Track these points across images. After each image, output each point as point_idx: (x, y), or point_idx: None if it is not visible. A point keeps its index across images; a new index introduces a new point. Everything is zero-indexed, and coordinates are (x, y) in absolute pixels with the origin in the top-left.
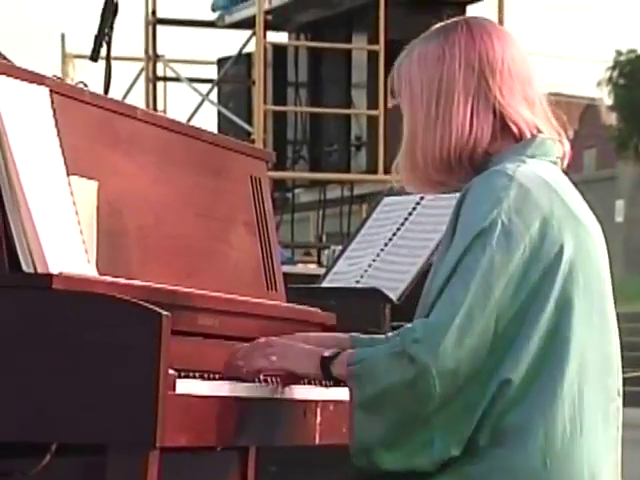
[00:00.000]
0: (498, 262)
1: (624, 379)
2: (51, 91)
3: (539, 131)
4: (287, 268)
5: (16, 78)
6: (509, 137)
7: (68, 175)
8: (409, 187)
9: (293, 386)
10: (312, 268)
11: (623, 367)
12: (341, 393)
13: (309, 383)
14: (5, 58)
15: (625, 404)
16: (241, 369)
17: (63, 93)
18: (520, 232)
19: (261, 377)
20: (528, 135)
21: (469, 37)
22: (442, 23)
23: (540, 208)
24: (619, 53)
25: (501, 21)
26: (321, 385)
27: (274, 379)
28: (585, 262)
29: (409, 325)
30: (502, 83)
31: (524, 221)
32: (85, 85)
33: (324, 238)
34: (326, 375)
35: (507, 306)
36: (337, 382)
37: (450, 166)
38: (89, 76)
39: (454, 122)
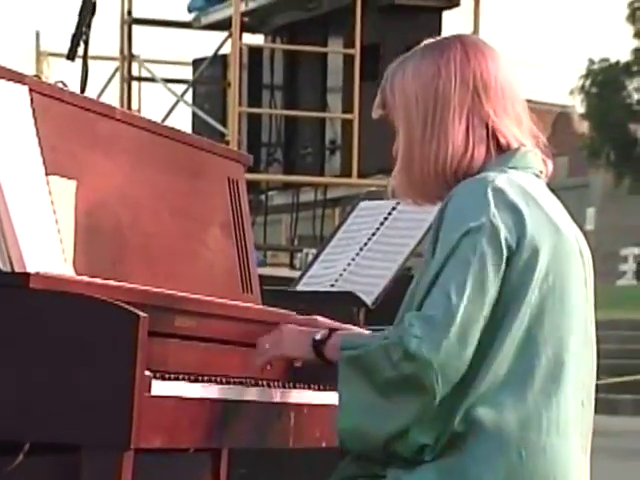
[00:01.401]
0: (489, 261)
1: (596, 386)
2: (31, 90)
3: (523, 146)
4: (260, 270)
5: None
6: (500, 152)
7: (47, 174)
8: (405, 199)
9: (267, 389)
10: (285, 271)
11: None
12: (315, 397)
13: (284, 386)
14: None
15: (596, 411)
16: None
17: (43, 92)
18: (504, 234)
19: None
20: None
21: (464, 55)
22: (434, 39)
23: (518, 212)
24: (592, 62)
25: (476, 27)
26: (294, 388)
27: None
28: (561, 270)
29: (406, 320)
30: (496, 102)
31: (506, 224)
32: (64, 84)
33: (296, 241)
34: (320, 358)
35: (493, 306)
36: (330, 364)
37: (445, 180)
38: (63, 75)
39: (450, 138)
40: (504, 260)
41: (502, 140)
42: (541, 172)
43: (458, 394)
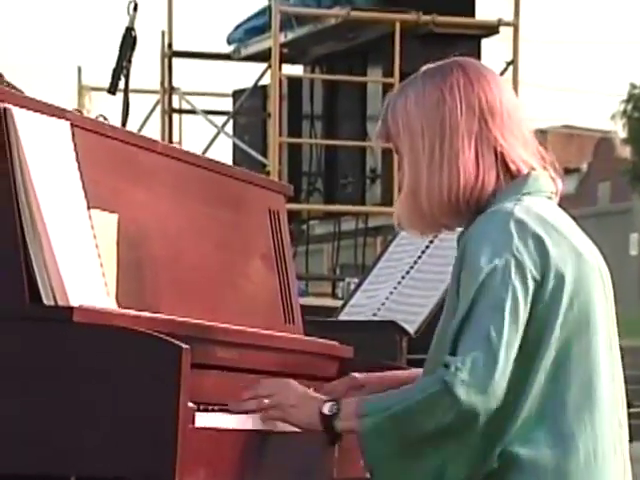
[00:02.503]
0: (520, 297)
1: (632, 413)
2: (72, 124)
3: (533, 169)
4: (302, 300)
5: (38, 111)
6: (509, 177)
7: (89, 209)
8: (412, 231)
9: None
10: (327, 300)
11: (634, 400)
12: None
13: None
14: (19, 91)
15: (632, 438)
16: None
17: (84, 126)
18: (529, 266)
19: None
20: (524, 173)
21: (467, 80)
22: (433, 64)
23: (541, 243)
24: (633, 86)
25: (516, 54)
26: None
27: None
28: (585, 295)
29: (451, 364)
30: (502, 125)
31: (531, 255)
32: (105, 118)
33: (338, 270)
34: (331, 434)
35: (522, 342)
36: (339, 438)
37: (458, 209)
38: (105, 109)
39: (461, 165)
40: (531, 294)
41: (512, 166)
42: (552, 193)
43: (495, 432)
